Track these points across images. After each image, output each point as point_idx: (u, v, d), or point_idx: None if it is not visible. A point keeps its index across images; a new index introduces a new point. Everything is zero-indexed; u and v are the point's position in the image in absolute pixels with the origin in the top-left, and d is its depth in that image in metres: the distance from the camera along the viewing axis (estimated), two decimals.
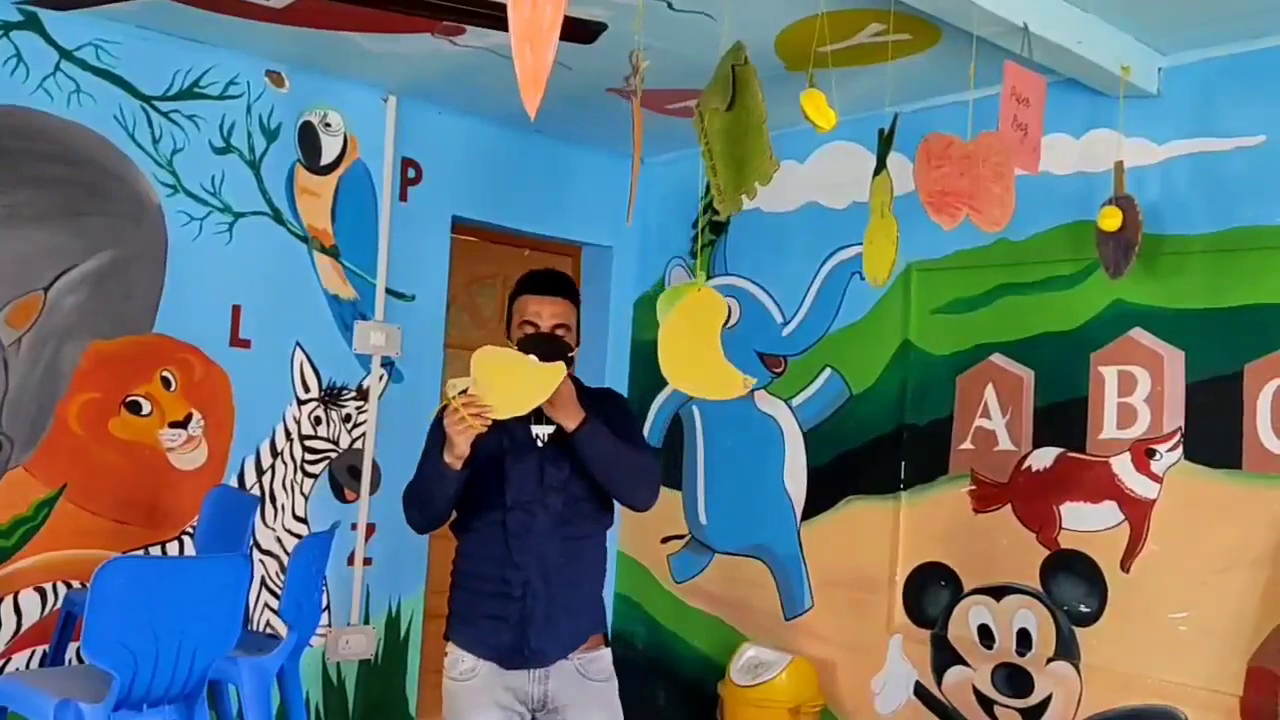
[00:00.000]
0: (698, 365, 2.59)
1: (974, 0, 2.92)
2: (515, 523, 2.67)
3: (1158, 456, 3.53)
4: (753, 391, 4.71)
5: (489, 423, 2.48)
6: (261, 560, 4.19)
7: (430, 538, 4.70)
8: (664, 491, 4.97)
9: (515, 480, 2.68)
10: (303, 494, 4.31)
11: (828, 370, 4.52)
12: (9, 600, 3.67)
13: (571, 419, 2.59)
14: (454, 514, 2.78)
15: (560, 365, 2.53)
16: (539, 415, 2.64)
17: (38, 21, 3.70)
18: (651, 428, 5.20)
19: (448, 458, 2.55)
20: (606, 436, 2.63)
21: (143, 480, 3.91)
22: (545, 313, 2.69)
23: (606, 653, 2.80)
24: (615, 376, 5.29)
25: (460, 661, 2.71)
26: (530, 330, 2.66)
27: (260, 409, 4.19)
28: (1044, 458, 3.81)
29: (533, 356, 2.55)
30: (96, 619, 2.66)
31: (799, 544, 4.57)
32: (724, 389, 2.62)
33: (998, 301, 3.97)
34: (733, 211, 2.65)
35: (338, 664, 4.41)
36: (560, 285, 2.77)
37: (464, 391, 2.49)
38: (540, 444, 2.67)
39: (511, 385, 2.51)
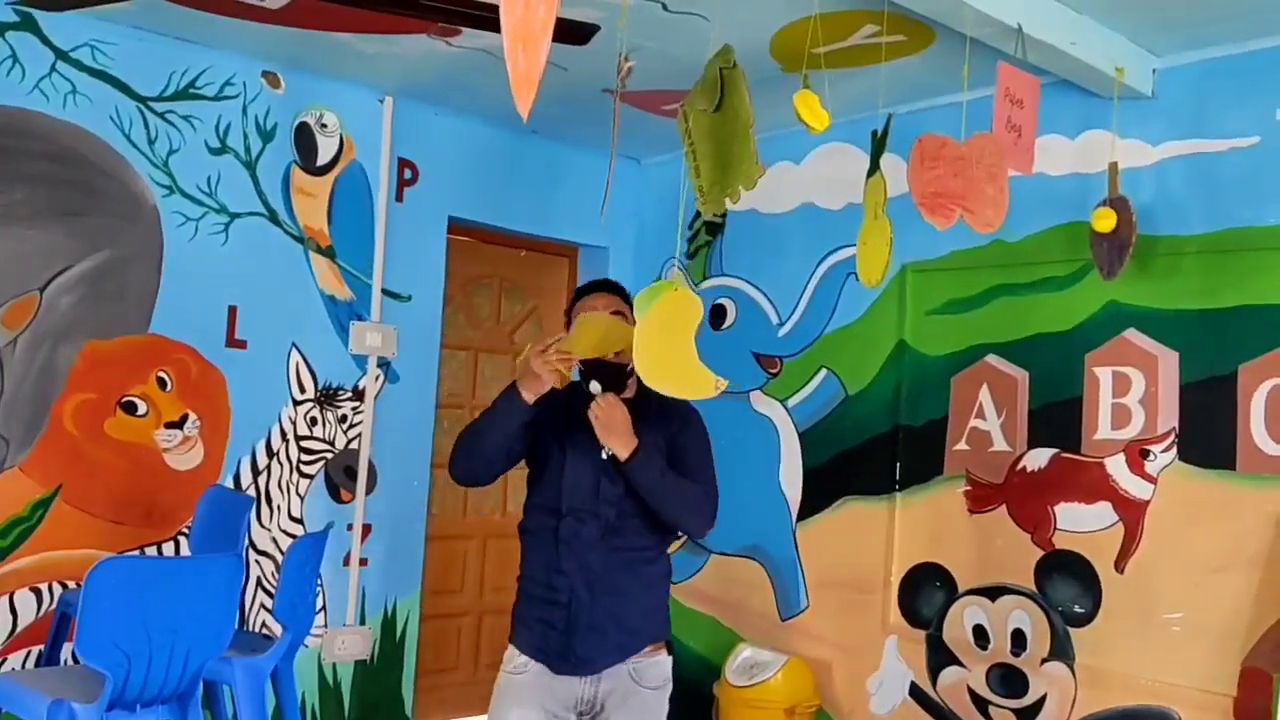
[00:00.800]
0: (671, 364, 2.58)
1: (967, 2, 2.93)
2: (566, 529, 2.70)
3: (1152, 457, 3.54)
4: (749, 392, 4.74)
5: (572, 362, 2.61)
6: (257, 560, 4.19)
7: (426, 539, 4.72)
8: None
9: (571, 488, 2.71)
10: (298, 494, 4.31)
11: (823, 371, 4.52)
12: (4, 600, 3.67)
13: (623, 448, 2.62)
14: (506, 473, 2.80)
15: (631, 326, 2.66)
16: None
17: (34, 22, 3.71)
18: None
19: (524, 391, 2.59)
20: (656, 467, 2.66)
21: (138, 481, 3.91)
22: (599, 305, 2.78)
23: (664, 659, 2.81)
24: None
25: (515, 656, 2.75)
26: None
27: (256, 409, 4.20)
28: (1039, 458, 3.81)
29: (614, 318, 2.74)
30: (89, 619, 2.67)
31: (794, 545, 4.58)
32: (696, 389, 2.62)
33: (992, 302, 3.98)
34: (714, 211, 2.66)
35: (333, 665, 4.41)
36: (607, 284, 2.89)
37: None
38: (605, 455, 2.69)
39: (601, 345, 2.66)
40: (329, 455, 4.40)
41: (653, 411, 2.70)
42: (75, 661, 2.88)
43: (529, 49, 1.70)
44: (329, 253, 4.39)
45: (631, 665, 2.73)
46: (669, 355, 2.58)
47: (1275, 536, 3.26)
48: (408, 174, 4.62)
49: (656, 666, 2.79)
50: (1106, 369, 3.66)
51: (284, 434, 4.27)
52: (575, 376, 2.73)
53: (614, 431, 2.62)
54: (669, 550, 2.90)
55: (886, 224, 3.08)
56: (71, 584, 3.73)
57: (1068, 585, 3.70)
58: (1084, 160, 3.73)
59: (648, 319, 2.55)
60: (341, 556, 4.41)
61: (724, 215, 4.90)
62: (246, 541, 4.06)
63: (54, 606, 3.71)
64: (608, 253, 5.31)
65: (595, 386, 2.67)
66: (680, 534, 2.91)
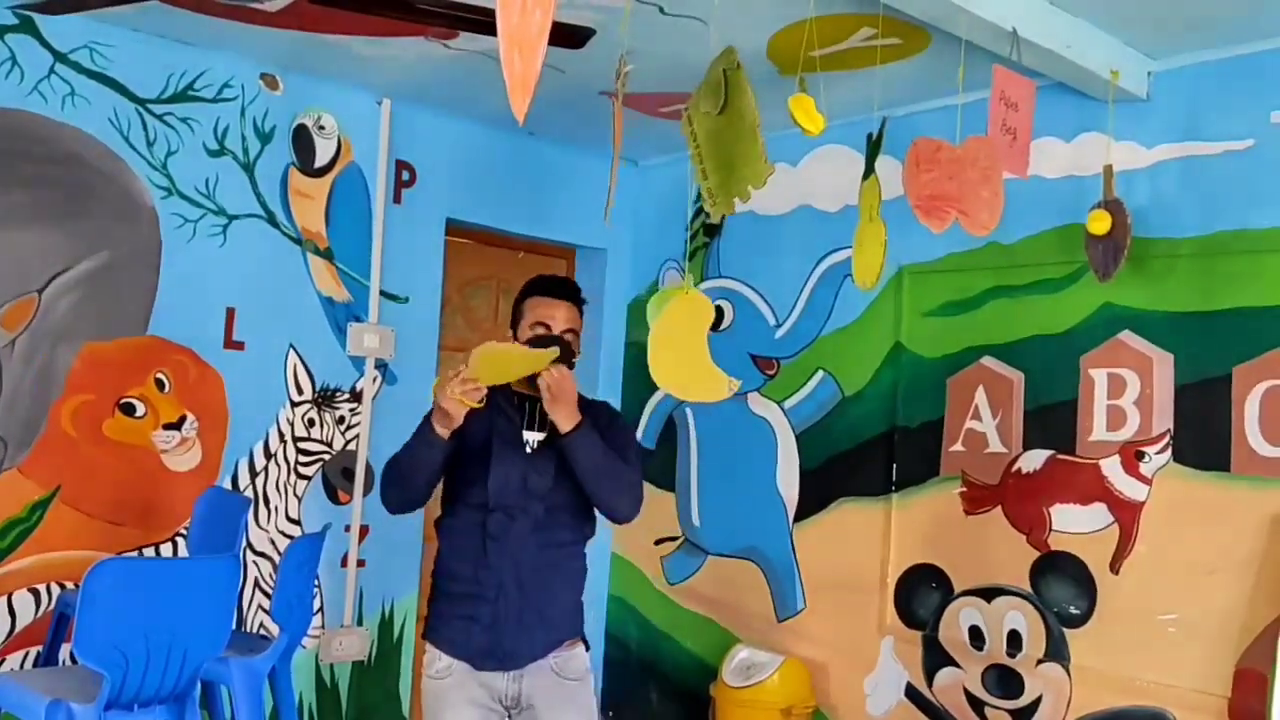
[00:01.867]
0: (685, 367, 2.62)
1: (963, 5, 2.94)
2: (494, 525, 2.70)
3: (1147, 459, 3.55)
4: (746, 394, 4.75)
5: (481, 392, 2.55)
6: (255, 561, 4.20)
7: (425, 540, 4.72)
8: (657, 493, 5.05)
9: (498, 482, 2.70)
10: (296, 496, 4.32)
11: (820, 372, 4.53)
12: (3, 601, 3.67)
13: (568, 420, 2.62)
14: (434, 506, 2.80)
15: (552, 350, 2.60)
16: (531, 420, 2.67)
17: (32, 24, 3.72)
18: (645, 430, 5.21)
19: (438, 426, 2.58)
20: (597, 444, 2.66)
21: (136, 482, 3.92)
22: (559, 316, 2.76)
23: (582, 651, 2.82)
24: (609, 379, 5.31)
25: (437, 660, 2.73)
26: (542, 331, 2.72)
27: (254, 411, 4.20)
28: (1034, 460, 3.83)
29: (522, 346, 2.65)
30: (87, 619, 2.68)
31: (791, 546, 4.59)
32: (710, 391, 2.65)
33: (988, 304, 3.99)
34: (724, 213, 2.67)
35: (331, 665, 4.42)
36: (572, 291, 2.85)
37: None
38: (529, 449, 2.69)
39: (500, 366, 2.59)
40: (327, 456, 4.41)
41: (581, 407, 2.69)
42: (73, 662, 2.90)
43: (525, 53, 1.71)
44: (327, 254, 4.41)
45: (553, 659, 2.74)
46: (683, 359, 2.61)
47: (1270, 538, 3.27)
48: (405, 176, 4.63)
49: (576, 659, 2.80)
50: (1101, 371, 3.68)
51: (282, 435, 4.28)
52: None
53: (563, 402, 2.60)
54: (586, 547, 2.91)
55: (881, 226, 3.10)
56: (70, 585, 3.74)
57: (1063, 586, 3.71)
58: (1079, 163, 3.74)
59: (660, 324, 2.57)
60: (339, 558, 4.42)
61: (722, 217, 4.91)
62: (244, 542, 4.07)
63: (52, 607, 3.72)
64: (605, 254, 5.33)
65: (530, 436, 2.67)
66: (591, 534, 2.90)
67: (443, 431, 2.59)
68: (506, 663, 2.69)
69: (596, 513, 2.84)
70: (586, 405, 2.74)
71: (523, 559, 2.70)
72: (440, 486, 2.82)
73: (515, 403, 2.74)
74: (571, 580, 2.84)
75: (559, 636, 2.76)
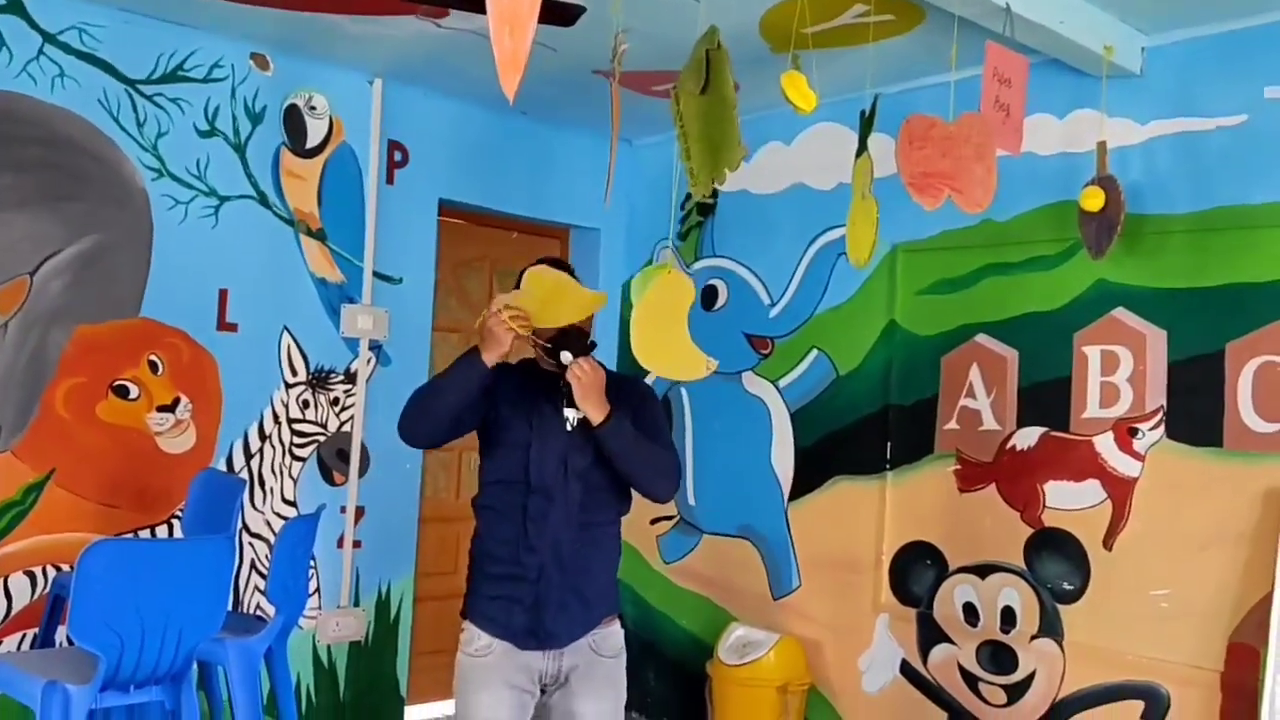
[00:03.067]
0: (666, 347, 2.62)
1: None
2: (535, 506, 2.71)
3: (1140, 435, 3.56)
4: (740, 373, 4.75)
5: (529, 327, 2.61)
6: (251, 543, 4.21)
7: (421, 521, 4.73)
8: None
9: (539, 463, 2.71)
10: (291, 477, 4.32)
11: (814, 351, 4.53)
12: None
13: (598, 412, 2.64)
14: (471, 484, 2.81)
15: (603, 294, 2.75)
16: (569, 397, 2.68)
17: (20, 5, 3.69)
18: None
19: (485, 352, 2.59)
20: (629, 431, 2.68)
21: (131, 464, 3.92)
22: None
23: (618, 628, 2.85)
24: (603, 359, 5.27)
25: (477, 638, 2.74)
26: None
27: (248, 393, 4.20)
28: (1028, 437, 3.83)
29: (574, 282, 2.77)
30: (82, 601, 2.69)
31: (786, 524, 4.60)
32: (689, 370, 2.66)
33: (982, 282, 3.99)
34: (703, 193, 2.66)
35: (328, 646, 4.43)
36: (557, 262, 2.87)
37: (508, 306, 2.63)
38: (569, 428, 2.70)
39: (554, 301, 2.66)
40: (321, 438, 4.41)
41: (612, 386, 2.71)
42: (69, 643, 2.90)
43: (515, 31, 1.70)
44: (319, 235, 4.39)
45: (591, 638, 2.76)
46: (663, 338, 2.61)
47: (1262, 513, 3.28)
48: (398, 156, 4.61)
49: (613, 636, 2.83)
50: (1095, 348, 3.68)
51: (276, 417, 4.28)
52: (531, 345, 2.75)
53: (593, 394, 2.63)
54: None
55: (873, 204, 3.09)
56: (65, 567, 3.74)
57: (1056, 563, 3.73)
58: (1072, 139, 3.73)
59: (643, 303, 2.58)
60: (335, 539, 4.42)
61: (715, 196, 4.90)
62: (239, 524, 4.08)
63: (48, 589, 3.72)
64: (599, 234, 5.32)
65: (566, 356, 2.66)
66: (627, 510, 2.91)
67: (489, 358, 2.60)
68: (548, 642, 2.70)
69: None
70: (617, 383, 2.75)
71: (563, 540, 2.71)
72: (478, 467, 2.84)
73: (555, 382, 2.73)
74: (609, 558, 2.86)
75: (598, 615, 2.78)
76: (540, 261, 2.85)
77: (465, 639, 2.76)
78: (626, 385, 2.84)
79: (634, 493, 2.86)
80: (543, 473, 2.71)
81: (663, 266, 2.61)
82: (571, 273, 2.86)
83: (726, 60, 2.59)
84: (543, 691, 2.76)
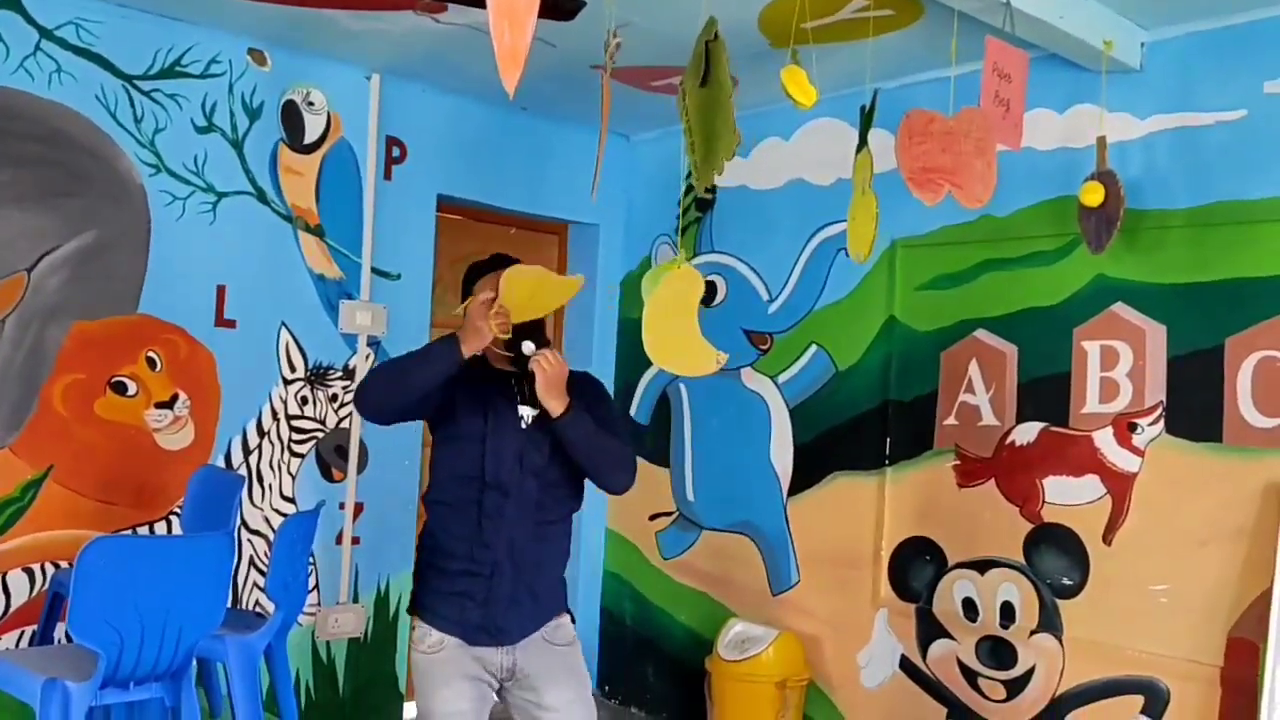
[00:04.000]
0: (677, 342, 2.63)
1: None
2: (490, 502, 2.71)
3: (1139, 430, 3.56)
4: (739, 369, 4.75)
5: (508, 329, 2.61)
6: (250, 540, 4.20)
7: (419, 518, 4.72)
8: (652, 469, 5.05)
9: (494, 459, 2.71)
10: (290, 474, 4.32)
11: (813, 347, 4.53)
12: None
13: (559, 403, 2.64)
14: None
15: (580, 278, 2.75)
16: (524, 396, 2.70)
17: (17, 1, 3.68)
18: (639, 406, 5.21)
19: (464, 345, 2.58)
20: (588, 424, 2.68)
21: (129, 461, 3.91)
22: (490, 286, 2.73)
23: (567, 621, 2.87)
24: (602, 355, 5.31)
25: (428, 635, 2.75)
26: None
27: (246, 389, 4.19)
28: (1027, 432, 3.83)
29: (548, 270, 2.75)
30: (81, 598, 2.68)
31: (785, 520, 4.60)
32: (699, 365, 2.68)
33: (981, 277, 3.99)
34: (706, 185, 2.67)
35: (327, 642, 4.43)
36: (508, 261, 2.83)
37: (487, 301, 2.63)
38: (524, 425, 2.71)
39: (535, 296, 2.66)
40: (320, 434, 4.40)
41: (569, 381, 2.71)
42: (68, 641, 2.90)
43: (515, 26, 1.70)
44: (317, 231, 4.38)
45: (542, 632, 2.79)
46: (673, 333, 2.63)
47: (1262, 508, 3.28)
48: (396, 152, 4.60)
49: (564, 628, 2.85)
50: (1094, 343, 3.68)
51: (275, 413, 4.27)
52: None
53: (555, 387, 2.64)
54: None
55: (872, 199, 3.09)
56: (63, 564, 3.74)
57: (1056, 558, 3.73)
58: (1072, 134, 3.73)
59: (654, 300, 2.59)
60: (334, 535, 4.42)
61: (714, 191, 4.90)
62: (238, 521, 4.07)
63: (46, 586, 3.72)
64: (597, 230, 5.31)
65: (529, 346, 2.67)
66: (578, 508, 2.92)
67: (467, 350, 2.59)
68: (499, 638, 2.72)
69: (585, 485, 2.86)
70: (572, 377, 2.74)
71: (517, 536, 2.72)
72: (430, 461, 2.83)
73: (509, 380, 2.75)
74: (559, 556, 2.88)
75: (548, 612, 2.80)
76: (477, 265, 2.85)
77: (417, 636, 2.78)
78: (580, 379, 2.84)
79: (586, 489, 2.87)
80: (499, 469, 2.71)
81: (674, 262, 2.63)
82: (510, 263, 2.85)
83: (724, 50, 2.59)
84: (500, 685, 2.78)
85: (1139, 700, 3.51)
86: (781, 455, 4.63)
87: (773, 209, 4.72)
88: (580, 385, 2.79)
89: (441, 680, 2.71)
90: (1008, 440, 3.89)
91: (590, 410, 2.72)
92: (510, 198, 4.99)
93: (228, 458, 4.15)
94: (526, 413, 2.70)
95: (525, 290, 2.65)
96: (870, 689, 4.26)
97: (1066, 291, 3.74)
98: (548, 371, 2.62)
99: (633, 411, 5.21)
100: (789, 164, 4.64)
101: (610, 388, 4.75)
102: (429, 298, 4.75)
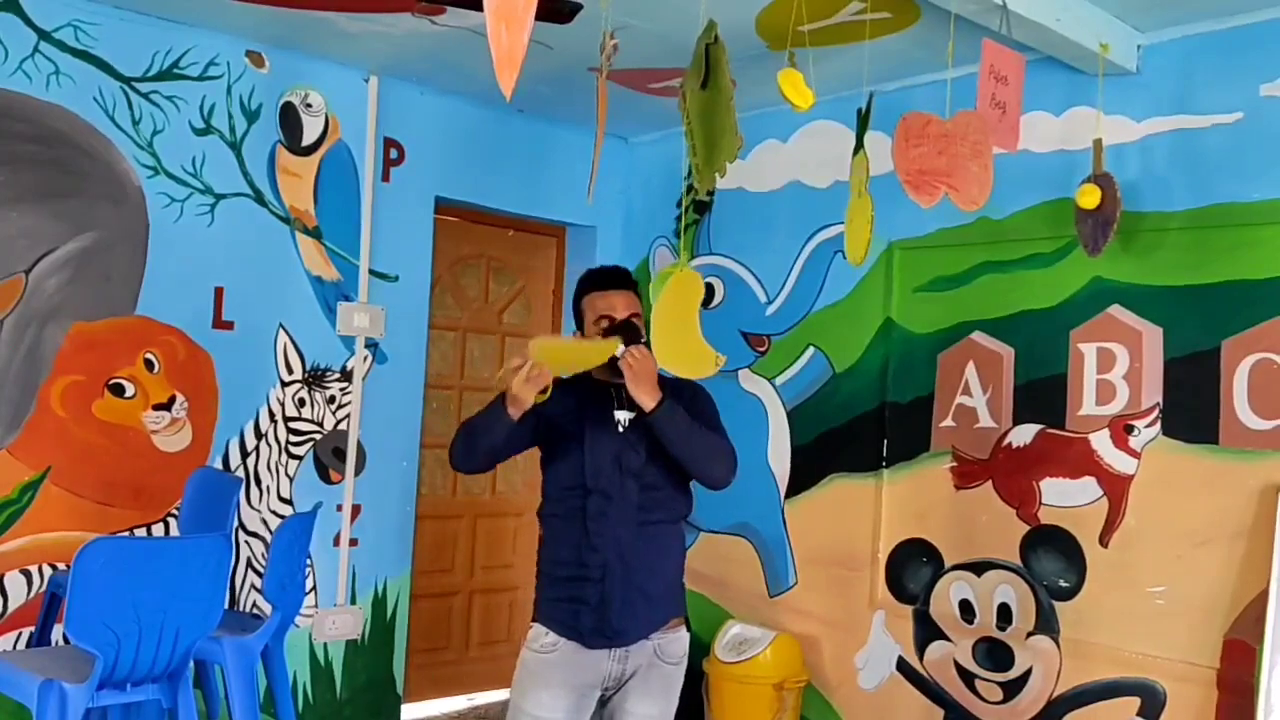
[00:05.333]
0: (678, 344, 2.64)
1: None
2: (594, 506, 2.72)
3: (1136, 432, 3.56)
4: (737, 371, 4.75)
5: (546, 379, 2.59)
6: (247, 541, 4.20)
7: (417, 519, 4.73)
8: None
9: (593, 464, 2.73)
10: (287, 475, 4.32)
11: (811, 349, 4.54)
12: None
13: (650, 397, 2.65)
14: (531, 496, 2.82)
15: (615, 340, 2.67)
16: (620, 400, 2.73)
17: (15, 3, 3.68)
18: None
19: (510, 408, 2.62)
20: (683, 417, 2.70)
21: (127, 462, 3.91)
22: (619, 305, 2.80)
23: (684, 634, 2.86)
24: None
25: (543, 635, 2.75)
26: (607, 324, 2.76)
27: (244, 391, 4.20)
28: (1024, 434, 3.84)
29: (577, 338, 2.80)
30: (78, 600, 2.68)
31: (783, 522, 4.60)
32: (700, 366, 2.70)
33: (978, 279, 3.99)
34: (707, 188, 2.69)
35: (325, 644, 4.43)
36: (624, 278, 2.88)
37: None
38: (620, 429, 2.74)
39: (565, 359, 2.67)
40: (318, 436, 4.40)
41: (666, 384, 2.74)
42: (65, 642, 2.90)
43: (512, 28, 1.70)
44: (315, 233, 4.39)
45: (656, 640, 2.78)
46: (676, 336, 2.65)
47: (1258, 509, 3.29)
48: (394, 154, 4.61)
49: (678, 641, 2.84)
50: (1091, 345, 3.68)
51: (272, 415, 4.27)
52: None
53: (645, 380, 2.65)
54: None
55: (868, 202, 3.09)
56: (61, 565, 3.74)
57: (1053, 560, 3.73)
58: (1069, 137, 3.73)
59: (660, 305, 2.62)
60: (331, 537, 4.42)
61: (712, 194, 4.90)
62: (236, 522, 4.07)
63: (44, 588, 3.72)
64: (595, 232, 5.31)
65: (619, 349, 2.69)
66: (687, 512, 2.92)
67: (514, 413, 2.62)
68: (615, 640, 2.71)
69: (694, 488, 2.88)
70: (668, 384, 2.76)
71: (624, 537, 2.72)
72: (541, 481, 2.87)
73: (608, 390, 2.77)
74: (672, 558, 2.87)
75: (663, 614, 2.79)
76: (606, 281, 2.87)
77: (531, 636, 2.78)
78: (677, 382, 2.86)
79: (693, 491, 2.88)
80: (598, 473, 2.73)
81: (676, 265, 2.65)
82: (626, 275, 2.90)
83: (724, 53, 2.60)
84: (604, 696, 2.78)
85: (1135, 702, 3.51)
86: (779, 457, 4.63)
87: (770, 211, 4.72)
88: (677, 385, 2.81)
89: (543, 682, 2.71)
90: (1005, 442, 3.89)
91: (688, 407, 2.74)
92: (508, 200, 4.99)
93: (225, 459, 4.16)
94: (623, 416, 2.74)
95: (554, 355, 2.67)
96: (867, 690, 4.26)
97: (1063, 294, 3.75)
98: (634, 367, 2.64)
99: None
100: (787, 166, 4.64)
101: None
102: (427, 300, 4.75)
